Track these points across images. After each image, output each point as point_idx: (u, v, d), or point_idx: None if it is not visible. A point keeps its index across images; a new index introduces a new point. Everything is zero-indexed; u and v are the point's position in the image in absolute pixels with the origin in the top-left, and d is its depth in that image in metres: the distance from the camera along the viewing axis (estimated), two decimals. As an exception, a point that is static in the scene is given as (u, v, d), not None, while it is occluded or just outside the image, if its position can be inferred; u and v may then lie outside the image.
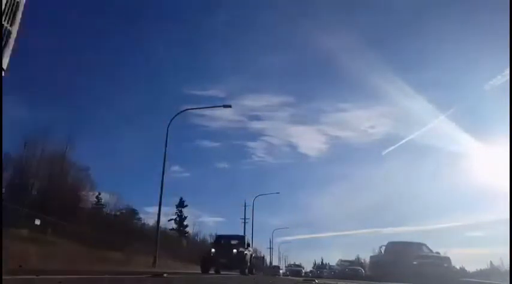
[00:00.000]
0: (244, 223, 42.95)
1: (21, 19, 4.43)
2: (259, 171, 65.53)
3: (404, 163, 55.28)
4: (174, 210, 42.42)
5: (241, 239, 16.93)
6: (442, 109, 52.03)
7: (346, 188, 71.31)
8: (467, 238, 56.33)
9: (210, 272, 14.88)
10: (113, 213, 33.52)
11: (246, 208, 43.13)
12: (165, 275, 5.31)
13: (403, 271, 13.58)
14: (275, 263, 56.37)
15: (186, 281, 4.50)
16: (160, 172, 17.93)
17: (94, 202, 32.26)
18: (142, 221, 36.29)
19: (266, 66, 57.31)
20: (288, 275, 36.09)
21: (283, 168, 68.71)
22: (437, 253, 15.55)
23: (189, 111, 21.32)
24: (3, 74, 4.12)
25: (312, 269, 51.07)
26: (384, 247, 17.36)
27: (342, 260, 35.59)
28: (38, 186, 25.92)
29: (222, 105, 20.90)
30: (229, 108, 21.91)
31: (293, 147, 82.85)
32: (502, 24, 23.27)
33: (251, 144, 70.02)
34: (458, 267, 17.30)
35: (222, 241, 16.80)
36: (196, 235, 47.90)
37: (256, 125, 73.22)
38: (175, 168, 52.39)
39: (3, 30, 4.13)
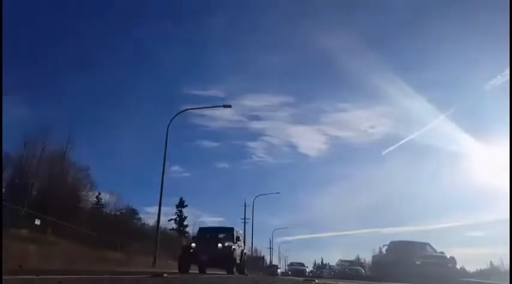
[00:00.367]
0: (244, 223, 43.00)
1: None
2: (259, 171, 65.48)
3: (404, 163, 55.21)
4: (174, 210, 42.32)
5: (228, 232, 14.32)
6: (442, 109, 52.02)
7: (346, 188, 71.27)
8: (467, 238, 56.26)
9: (192, 271, 12.87)
10: (113, 212, 33.55)
11: (246, 208, 43.20)
12: (165, 275, 5.31)
13: (406, 271, 13.29)
14: (275, 263, 55.98)
15: (186, 281, 4.50)
16: (160, 172, 17.91)
17: (94, 202, 32.28)
18: (142, 222, 36.32)
19: (266, 66, 57.27)
20: (288, 275, 34.69)
21: (283, 168, 68.61)
22: (442, 252, 15.15)
23: (189, 111, 21.33)
24: None
25: (312, 269, 51.02)
26: (386, 247, 17.04)
27: (342, 260, 35.56)
28: (38, 186, 25.96)
29: (222, 105, 20.89)
30: (229, 108, 21.88)
31: (293, 147, 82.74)
32: (502, 24, 23.30)
33: (251, 144, 69.99)
34: (458, 267, 17.23)
35: (206, 234, 14.45)
36: (197, 235, 47.80)
37: (256, 125, 72.99)
38: (175, 168, 52.43)
39: None
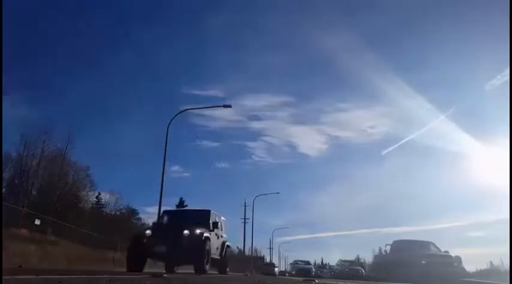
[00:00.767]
0: (244, 223, 42.92)
1: None
2: (259, 171, 65.56)
3: (404, 163, 55.45)
4: (174, 210, 42.38)
5: (201, 215, 10.57)
6: (442, 109, 52.36)
7: (346, 188, 71.48)
8: (467, 238, 56.37)
9: (148, 270, 8.62)
10: (113, 212, 33.58)
11: (246, 208, 43.09)
12: (164, 275, 5.30)
13: (411, 271, 12.94)
14: (275, 263, 55.64)
15: (185, 281, 4.50)
16: (160, 172, 17.84)
17: (94, 202, 32.33)
18: (142, 221, 36.29)
19: (266, 66, 57.44)
20: (289, 274, 32.58)
21: (283, 168, 68.81)
22: (446, 252, 14.78)
23: (189, 111, 21.29)
24: None
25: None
26: (389, 246, 16.62)
27: (342, 260, 35.51)
28: (38, 186, 25.98)
29: (222, 105, 20.81)
30: (229, 108, 21.83)
31: (293, 147, 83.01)
32: (502, 24, 23.31)
33: (251, 144, 70.18)
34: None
35: (168, 219, 10.94)
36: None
37: (256, 125, 73.34)
38: (175, 168, 52.38)
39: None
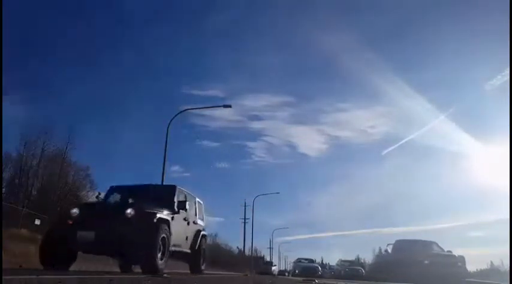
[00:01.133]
0: (244, 223, 42.88)
1: None
2: (259, 171, 65.55)
3: (404, 163, 55.48)
4: (174, 209, 42.28)
5: (163, 193, 8.03)
6: (442, 109, 52.35)
7: (346, 188, 71.55)
8: (467, 238, 56.33)
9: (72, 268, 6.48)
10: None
11: (246, 208, 43.05)
12: (165, 275, 5.30)
13: (413, 271, 12.80)
14: (274, 262, 55.39)
15: (186, 281, 4.49)
16: (160, 172, 17.81)
17: (94, 202, 32.25)
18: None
19: (266, 66, 57.35)
20: (291, 274, 31.14)
21: (283, 168, 68.81)
22: (449, 251, 14.57)
23: (189, 111, 21.26)
24: None
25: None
26: (391, 246, 16.41)
27: (342, 260, 35.57)
28: (38, 186, 25.98)
29: (222, 105, 20.79)
30: (229, 108, 21.81)
31: (293, 147, 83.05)
32: (502, 24, 23.29)
33: (251, 144, 70.13)
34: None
35: (116, 197, 7.81)
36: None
37: (256, 125, 73.42)
38: (175, 168, 52.28)
39: None
